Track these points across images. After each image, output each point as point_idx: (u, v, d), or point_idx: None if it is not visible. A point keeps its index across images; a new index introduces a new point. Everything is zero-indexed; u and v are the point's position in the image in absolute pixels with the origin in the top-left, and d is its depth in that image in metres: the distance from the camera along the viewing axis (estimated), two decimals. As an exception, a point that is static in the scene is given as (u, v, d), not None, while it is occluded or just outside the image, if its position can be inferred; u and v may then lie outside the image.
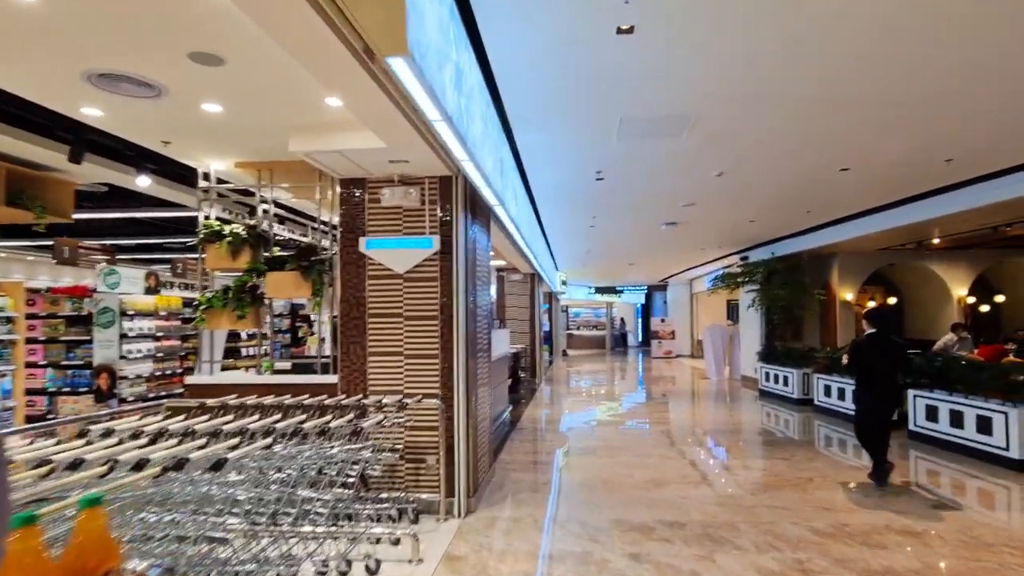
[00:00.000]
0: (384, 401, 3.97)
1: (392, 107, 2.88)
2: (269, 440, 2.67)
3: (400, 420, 4.05)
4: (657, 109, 4.30)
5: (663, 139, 4.99)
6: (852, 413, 7.76)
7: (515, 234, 6.58)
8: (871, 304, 12.47)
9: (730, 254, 13.48)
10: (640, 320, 29.42)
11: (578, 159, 5.66)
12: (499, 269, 14.07)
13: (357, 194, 4.50)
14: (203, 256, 4.66)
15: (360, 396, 4.11)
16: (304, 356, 4.91)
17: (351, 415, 3.48)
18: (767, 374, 10.62)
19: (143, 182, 5.13)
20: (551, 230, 10.38)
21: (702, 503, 4.52)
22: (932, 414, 6.55)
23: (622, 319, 28.43)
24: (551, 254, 14.53)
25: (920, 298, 12.08)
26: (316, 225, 4.73)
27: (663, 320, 21.23)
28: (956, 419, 6.20)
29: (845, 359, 5.37)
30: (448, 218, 4.45)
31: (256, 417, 3.33)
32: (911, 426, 6.86)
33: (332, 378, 4.54)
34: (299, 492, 2.78)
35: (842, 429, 7.45)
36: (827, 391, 8.53)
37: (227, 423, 2.93)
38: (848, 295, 11.18)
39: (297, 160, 4.30)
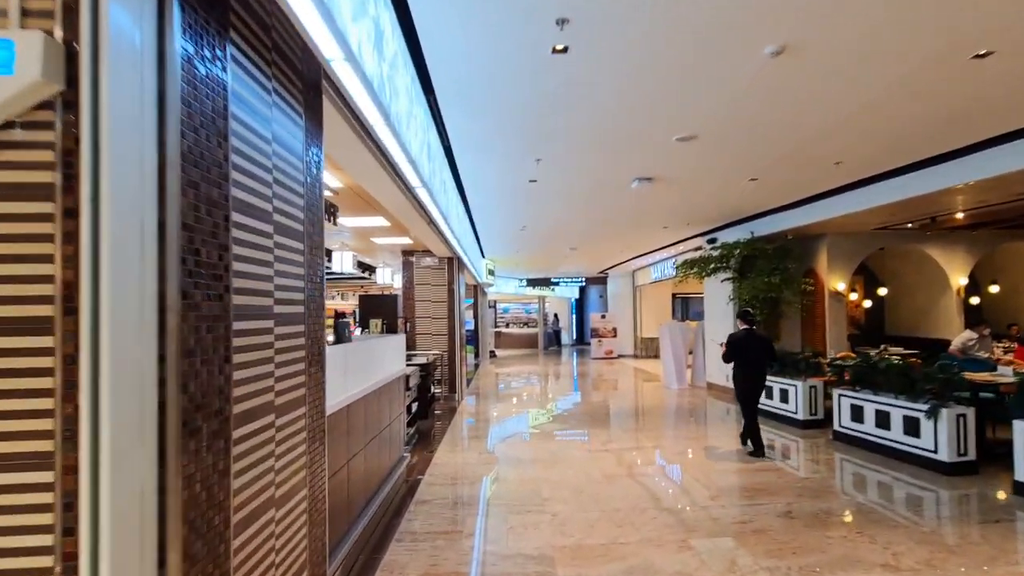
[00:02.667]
0: None
1: None
2: None
3: None
4: None
5: None
6: (909, 449, 5.38)
7: (389, 143, 3.39)
8: (853, 296, 10.58)
9: (694, 236, 11.14)
10: (574, 316, 27.17)
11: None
12: (407, 251, 10.84)
13: None
14: None
15: None
16: None
17: None
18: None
19: None
20: (477, 194, 7.32)
21: None
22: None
23: (555, 315, 26.01)
24: (475, 234, 11.47)
25: (908, 288, 10.33)
26: None
27: (603, 316, 18.89)
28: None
29: (724, 351, 6.18)
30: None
31: None
32: (1019, 476, 4.54)
33: None
34: None
35: (906, 475, 5.06)
36: (857, 414, 6.16)
37: None
38: (839, 284, 9.10)
39: None
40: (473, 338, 18.56)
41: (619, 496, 4.71)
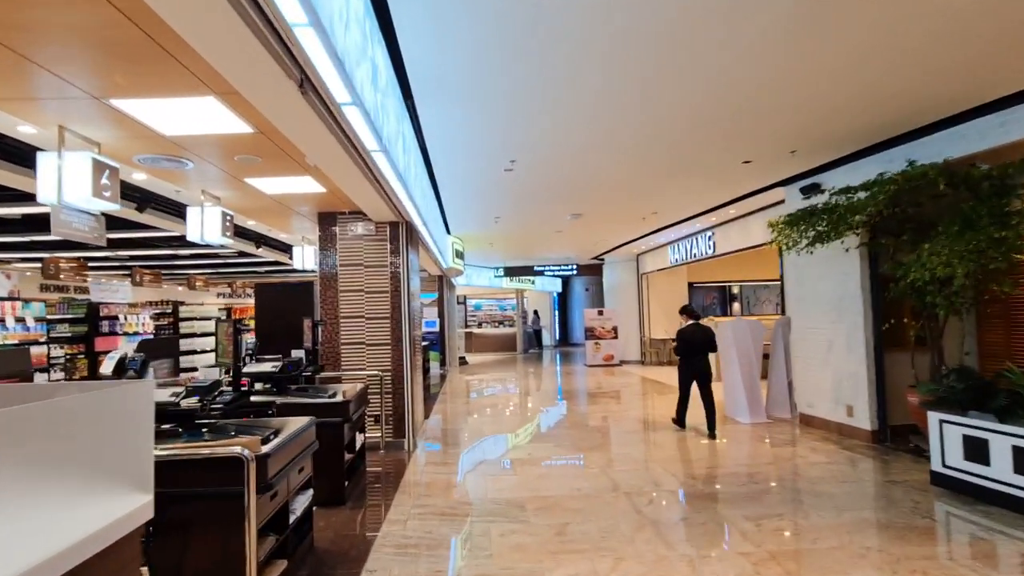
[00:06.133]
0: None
1: None
2: None
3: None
4: None
5: None
6: None
7: None
8: None
9: (774, 184, 7.32)
10: (556, 313, 23.30)
11: None
12: (325, 213, 6.70)
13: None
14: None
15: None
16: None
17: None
18: (973, 442, 4.37)
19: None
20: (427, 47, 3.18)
21: None
22: None
23: (535, 312, 22.09)
24: (436, 192, 7.32)
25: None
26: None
27: (601, 313, 15.02)
28: None
29: (675, 345, 6.68)
30: None
31: None
32: None
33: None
34: None
35: None
36: None
37: None
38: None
39: None
40: (439, 342, 14.46)
41: None
